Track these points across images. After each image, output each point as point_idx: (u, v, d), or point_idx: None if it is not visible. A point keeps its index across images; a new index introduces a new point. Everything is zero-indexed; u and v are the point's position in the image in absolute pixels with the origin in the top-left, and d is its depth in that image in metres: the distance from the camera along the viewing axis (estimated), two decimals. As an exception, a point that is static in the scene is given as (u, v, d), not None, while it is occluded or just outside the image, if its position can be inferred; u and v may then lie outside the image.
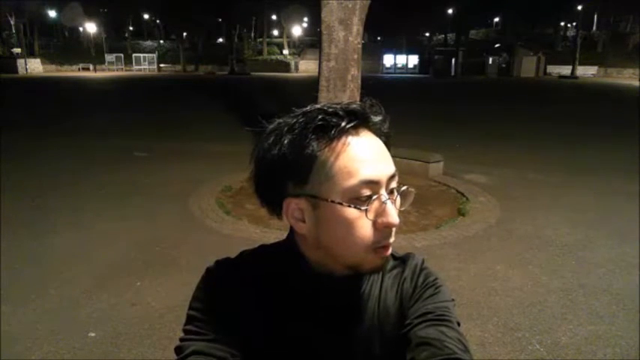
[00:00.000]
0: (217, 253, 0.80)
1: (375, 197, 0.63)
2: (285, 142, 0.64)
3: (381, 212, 0.63)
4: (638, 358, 2.59)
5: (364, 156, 0.63)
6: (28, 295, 3.19)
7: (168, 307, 3.05)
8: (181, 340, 0.68)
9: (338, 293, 0.71)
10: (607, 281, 3.48)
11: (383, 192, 0.63)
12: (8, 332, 2.74)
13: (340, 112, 0.64)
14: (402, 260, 0.78)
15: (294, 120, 0.65)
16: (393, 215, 0.63)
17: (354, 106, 0.66)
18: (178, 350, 0.67)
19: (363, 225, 0.63)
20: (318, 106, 0.66)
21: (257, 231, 4.42)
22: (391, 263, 0.77)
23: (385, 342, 0.71)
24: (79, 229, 4.49)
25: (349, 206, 0.62)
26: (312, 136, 0.63)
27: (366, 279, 0.74)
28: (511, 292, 3.31)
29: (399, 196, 0.67)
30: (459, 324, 0.69)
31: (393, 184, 0.66)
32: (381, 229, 0.63)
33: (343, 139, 0.63)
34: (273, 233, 4.28)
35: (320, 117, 0.63)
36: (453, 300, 0.73)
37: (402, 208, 0.67)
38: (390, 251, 0.66)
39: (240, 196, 5.62)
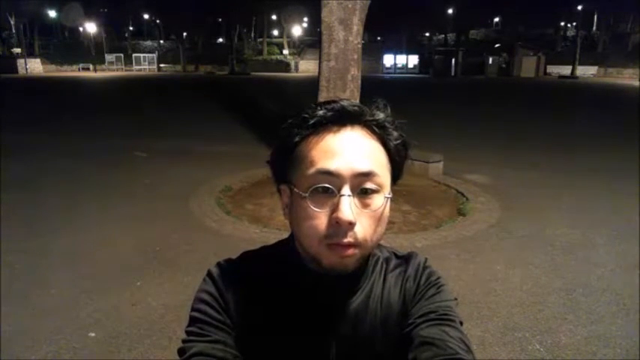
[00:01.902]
0: (217, 253, 0.80)
1: (330, 190, 0.62)
2: (282, 132, 0.69)
3: (335, 207, 0.62)
4: (638, 358, 2.59)
5: (332, 148, 0.64)
6: (28, 295, 3.19)
7: (168, 307, 3.05)
8: (184, 341, 0.68)
9: (338, 292, 0.71)
10: (607, 281, 3.48)
11: (345, 187, 0.62)
12: (8, 332, 2.74)
13: (321, 107, 0.67)
14: (404, 259, 0.78)
15: (295, 114, 0.69)
16: (344, 212, 0.61)
17: (343, 103, 0.67)
18: (181, 351, 0.67)
19: (318, 216, 0.63)
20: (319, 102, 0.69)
21: (257, 231, 4.42)
22: (394, 262, 0.78)
23: (388, 341, 0.71)
24: (79, 228, 4.49)
25: (300, 194, 0.64)
26: (296, 128, 0.67)
27: (367, 278, 0.74)
28: (511, 292, 3.31)
29: (375, 197, 0.64)
30: (461, 323, 0.69)
31: (368, 185, 0.64)
32: (334, 224, 0.62)
33: (322, 132, 0.65)
34: (273, 233, 4.28)
35: (305, 110, 0.67)
36: (455, 299, 0.73)
37: (367, 210, 0.64)
38: (350, 252, 0.63)
39: (240, 196, 5.62)
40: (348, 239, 0.63)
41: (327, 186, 0.62)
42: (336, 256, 0.64)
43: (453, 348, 0.63)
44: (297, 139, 0.66)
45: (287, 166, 0.68)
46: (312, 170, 0.63)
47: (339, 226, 0.62)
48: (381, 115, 0.68)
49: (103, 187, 5.90)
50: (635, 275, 3.56)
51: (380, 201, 0.65)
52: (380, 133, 0.67)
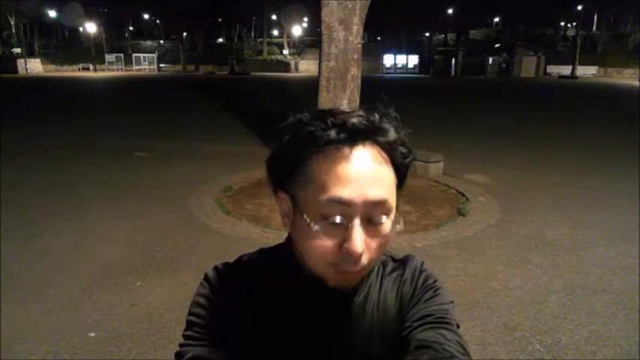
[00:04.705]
0: (217, 253, 0.80)
1: (340, 221, 0.60)
2: (284, 139, 0.66)
3: (346, 237, 0.61)
4: (638, 358, 2.59)
5: (344, 174, 0.61)
6: (28, 295, 3.19)
7: (168, 307, 3.05)
8: (181, 345, 0.68)
9: (335, 296, 0.71)
10: (607, 281, 3.48)
11: (357, 217, 0.61)
12: (8, 332, 2.74)
13: (331, 124, 0.62)
14: (401, 262, 0.78)
15: (300, 119, 0.65)
16: (355, 243, 0.60)
17: (353, 120, 0.62)
18: (178, 356, 0.67)
19: (325, 242, 0.62)
20: (324, 110, 0.66)
21: (257, 231, 4.42)
22: (390, 266, 0.78)
23: (385, 345, 0.71)
24: (79, 228, 4.48)
25: (309, 222, 0.61)
26: (303, 142, 0.63)
27: (363, 282, 0.74)
28: (511, 292, 3.31)
29: (385, 223, 0.63)
30: (458, 326, 0.69)
31: (380, 213, 0.62)
32: (344, 253, 0.61)
33: (332, 152, 0.62)
34: (272, 233, 4.28)
35: (313, 124, 0.63)
36: (452, 302, 0.73)
37: (376, 237, 0.63)
38: (356, 270, 0.63)
39: (240, 196, 5.62)
40: (357, 267, 0.63)
41: (340, 215, 0.61)
42: (342, 278, 0.65)
43: (450, 351, 0.63)
44: (303, 154, 0.63)
45: (289, 177, 0.65)
46: (323, 197, 0.61)
47: (349, 256, 0.61)
48: (391, 133, 0.65)
49: (103, 187, 5.89)
50: (635, 275, 3.56)
51: (388, 226, 0.64)
52: (389, 150, 0.65)
